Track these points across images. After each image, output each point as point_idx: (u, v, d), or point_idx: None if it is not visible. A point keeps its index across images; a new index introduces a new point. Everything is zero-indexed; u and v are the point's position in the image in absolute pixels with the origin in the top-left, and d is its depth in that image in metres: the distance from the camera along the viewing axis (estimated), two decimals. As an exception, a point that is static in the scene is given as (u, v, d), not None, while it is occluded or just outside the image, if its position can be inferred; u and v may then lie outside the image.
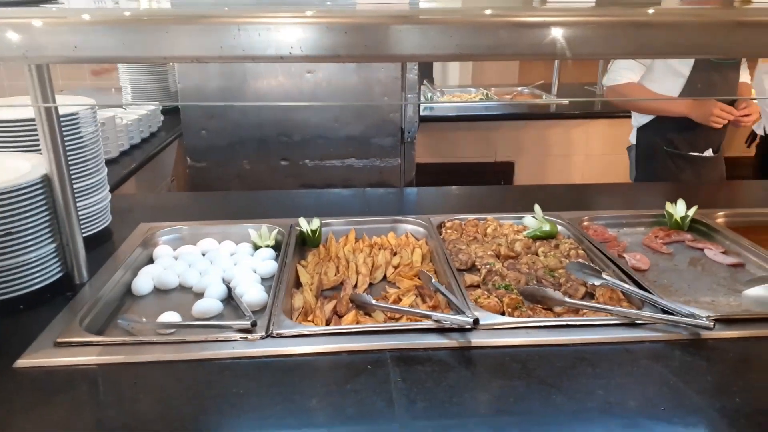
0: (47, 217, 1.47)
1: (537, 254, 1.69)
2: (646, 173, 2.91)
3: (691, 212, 1.85)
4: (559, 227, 1.83)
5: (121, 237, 1.78)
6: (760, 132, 3.41)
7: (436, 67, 5.50)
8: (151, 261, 1.68)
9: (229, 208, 2.19)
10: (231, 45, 1.07)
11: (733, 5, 1.30)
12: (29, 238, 1.43)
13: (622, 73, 2.74)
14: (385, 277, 1.61)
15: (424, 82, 4.66)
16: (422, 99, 4.33)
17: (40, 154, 1.45)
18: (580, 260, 1.57)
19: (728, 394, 1.08)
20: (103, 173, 1.81)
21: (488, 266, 1.58)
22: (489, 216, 1.92)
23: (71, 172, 1.50)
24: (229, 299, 1.46)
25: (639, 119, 2.89)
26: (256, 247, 1.72)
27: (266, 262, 1.61)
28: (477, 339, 1.24)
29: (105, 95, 4.14)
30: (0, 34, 0.99)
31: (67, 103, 1.73)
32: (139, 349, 1.21)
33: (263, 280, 1.55)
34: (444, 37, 1.10)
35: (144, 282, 1.53)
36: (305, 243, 1.77)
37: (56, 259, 1.50)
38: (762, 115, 3.21)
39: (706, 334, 1.25)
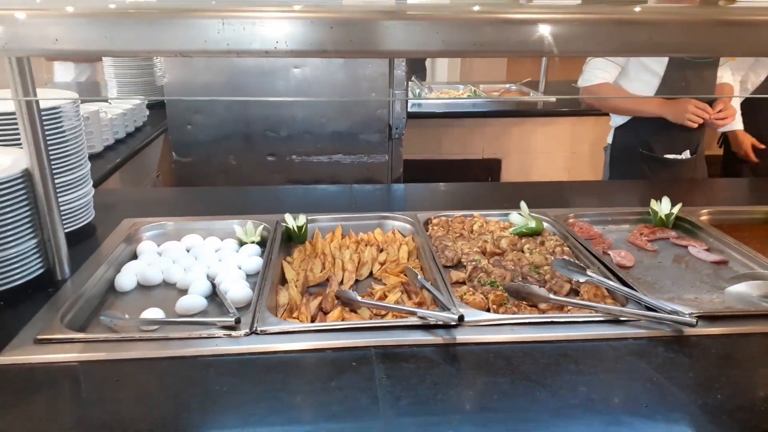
0: (28, 213, 1.45)
1: (523, 251, 1.69)
2: (619, 175, 2.87)
3: (676, 210, 1.87)
4: (545, 224, 1.83)
5: (104, 233, 1.76)
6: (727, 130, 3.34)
7: (426, 62, 5.50)
8: (134, 257, 1.67)
9: (215, 203, 2.17)
10: (215, 39, 1.06)
11: (718, 4, 1.31)
12: (10, 233, 1.40)
13: (596, 73, 2.70)
14: (371, 273, 1.60)
15: (413, 78, 4.65)
16: (410, 95, 4.32)
17: (21, 148, 1.43)
18: (566, 257, 1.58)
19: (710, 390, 1.09)
20: (86, 168, 1.79)
21: (474, 263, 1.58)
22: (475, 213, 1.92)
23: (53, 166, 1.48)
24: (214, 296, 1.45)
25: (617, 119, 2.85)
26: (242, 243, 1.71)
27: (251, 259, 1.60)
28: (462, 336, 1.24)
29: (91, 89, 4.09)
30: (-22, 25, 0.97)
31: (48, 97, 1.70)
32: (121, 346, 1.20)
33: (248, 276, 1.54)
34: (430, 33, 1.10)
35: (127, 278, 1.51)
36: (291, 239, 1.77)
37: (37, 255, 1.48)
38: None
39: (689, 330, 1.26)
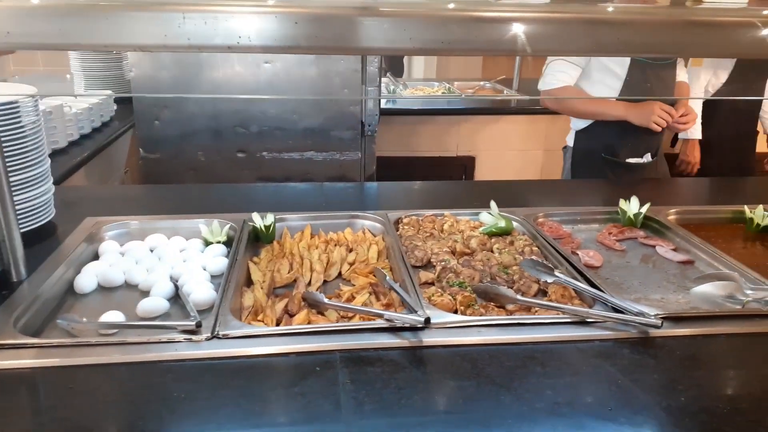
0: (-19, 212, 1.39)
1: (492, 251, 1.68)
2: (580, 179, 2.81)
3: (644, 209, 1.88)
4: (515, 224, 1.83)
5: (65, 232, 1.71)
6: (681, 135, 3.35)
7: (404, 59, 5.48)
8: (96, 257, 1.62)
9: (182, 201, 2.12)
10: (175, 33, 1.03)
11: (685, 5, 1.31)
12: (-39, 233, 1.35)
13: (557, 76, 2.62)
14: (340, 274, 1.58)
15: (387, 74, 4.63)
16: (385, 92, 4.30)
17: (-26, 145, 1.37)
18: (534, 257, 1.57)
19: (674, 392, 1.09)
20: (45, 165, 1.73)
21: (443, 263, 1.56)
22: (446, 212, 1.91)
23: (10, 163, 1.43)
24: (177, 298, 1.41)
25: (578, 122, 2.79)
26: (207, 243, 1.67)
27: (217, 259, 1.56)
28: (428, 338, 1.22)
29: (59, 82, 3.98)
30: None
31: (5, 92, 1.64)
32: (77, 352, 1.16)
33: (213, 277, 1.50)
34: (397, 30, 1.08)
35: (87, 279, 1.46)
36: (258, 239, 1.73)
37: (-9, 256, 1.43)
38: None
39: (654, 332, 1.26)
